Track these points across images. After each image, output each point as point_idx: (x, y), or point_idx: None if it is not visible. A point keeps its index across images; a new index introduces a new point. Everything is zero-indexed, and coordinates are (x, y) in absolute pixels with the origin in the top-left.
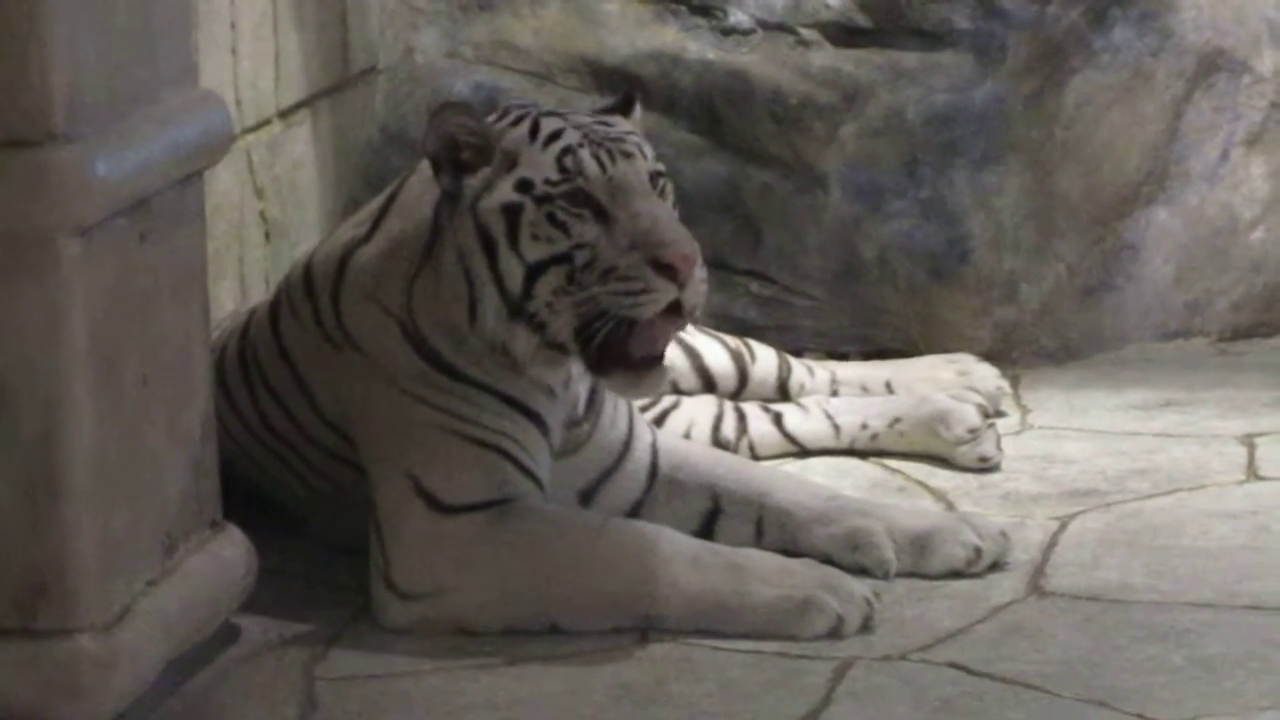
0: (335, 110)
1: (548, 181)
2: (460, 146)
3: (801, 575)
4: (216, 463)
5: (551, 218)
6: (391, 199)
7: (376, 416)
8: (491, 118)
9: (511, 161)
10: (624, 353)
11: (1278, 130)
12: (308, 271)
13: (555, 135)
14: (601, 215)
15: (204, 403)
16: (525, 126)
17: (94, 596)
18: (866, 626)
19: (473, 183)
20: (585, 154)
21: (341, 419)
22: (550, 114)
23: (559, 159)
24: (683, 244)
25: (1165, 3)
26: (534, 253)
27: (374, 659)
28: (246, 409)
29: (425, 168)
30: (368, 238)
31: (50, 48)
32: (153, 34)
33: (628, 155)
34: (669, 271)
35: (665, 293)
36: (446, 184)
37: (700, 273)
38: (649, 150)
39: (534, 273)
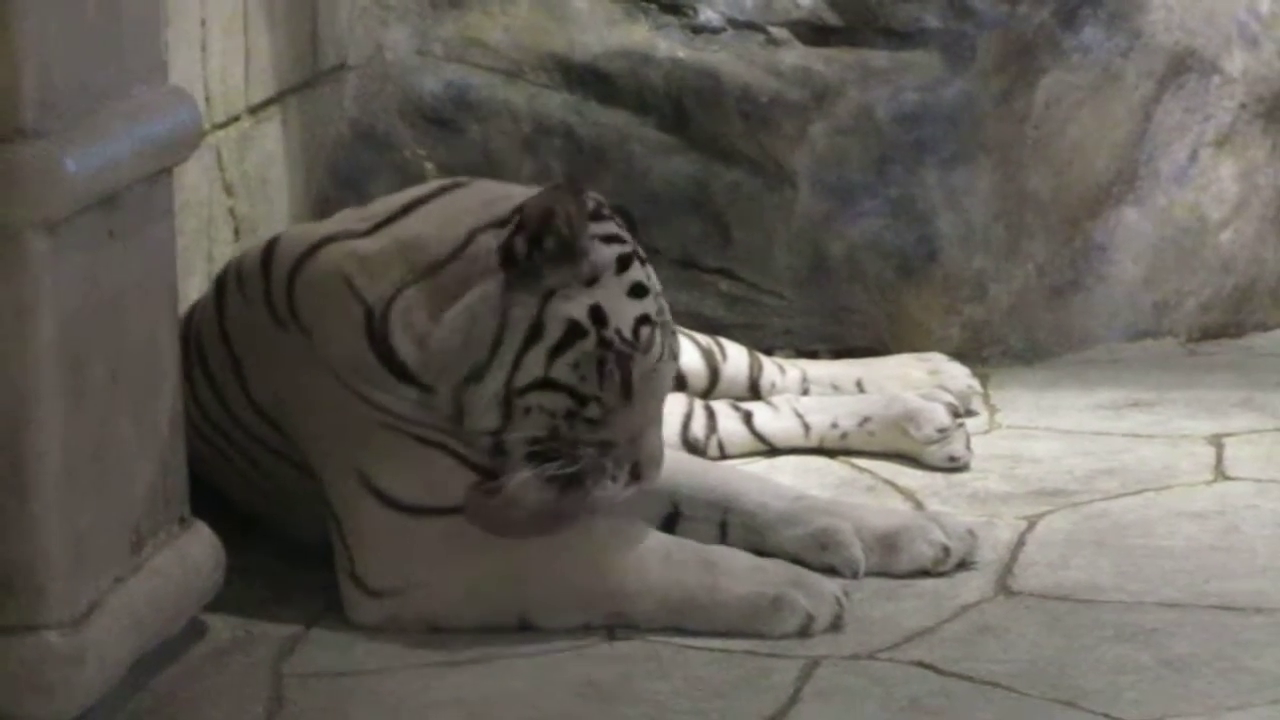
0: (305, 107)
1: (619, 334)
2: (551, 229)
3: (772, 573)
4: (184, 459)
5: (600, 364)
6: (409, 208)
7: (317, 409)
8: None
9: (591, 279)
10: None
11: (1247, 131)
12: (269, 248)
13: (639, 291)
14: (626, 392)
15: (172, 399)
16: (614, 254)
17: (61, 593)
18: (836, 624)
19: (558, 277)
20: (658, 337)
21: (274, 408)
22: (636, 256)
23: (638, 323)
24: (658, 471)
25: (1135, 3)
26: (562, 376)
27: (342, 656)
28: (186, 397)
29: (474, 194)
30: (366, 234)
31: (19, 43)
32: (122, 30)
33: (674, 356)
34: (638, 480)
35: (621, 490)
36: (521, 249)
37: None
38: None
39: (546, 385)
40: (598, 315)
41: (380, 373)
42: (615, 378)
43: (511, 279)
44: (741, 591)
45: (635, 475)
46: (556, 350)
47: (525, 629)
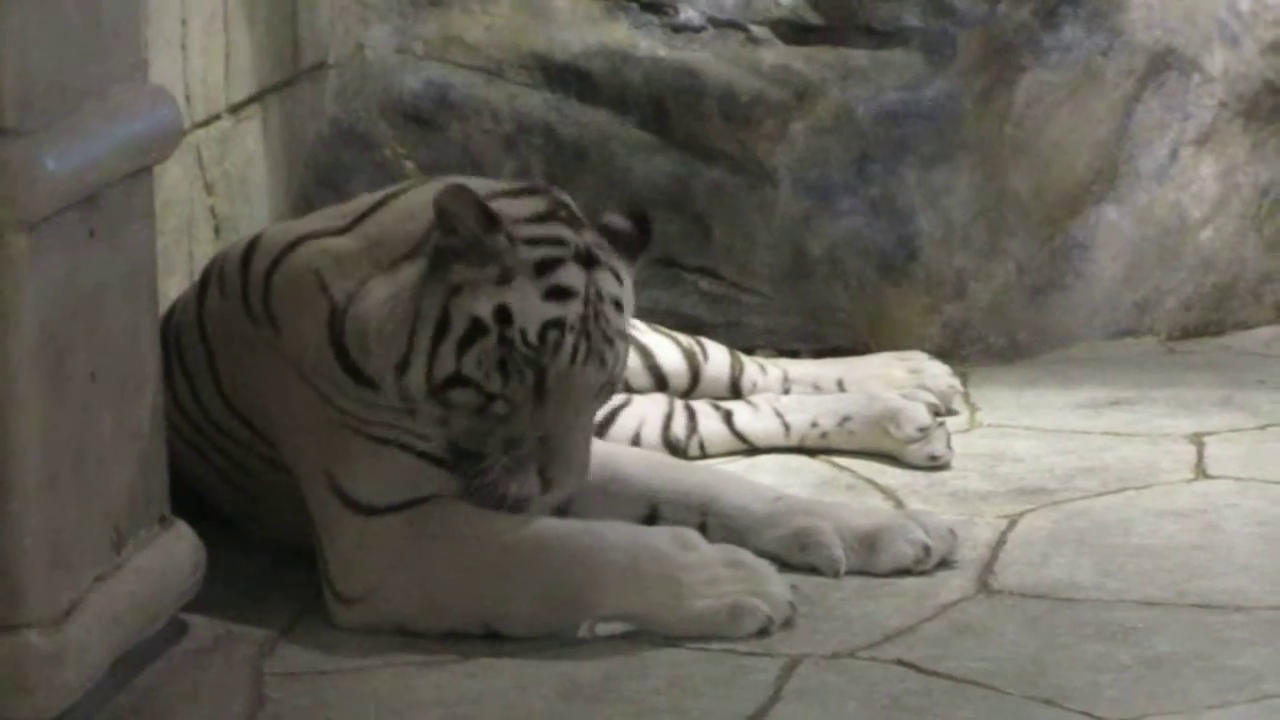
0: (285, 106)
1: (523, 335)
2: (451, 228)
3: (729, 584)
4: (165, 458)
5: (502, 363)
6: (381, 204)
7: (286, 409)
8: (532, 208)
9: (504, 279)
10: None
11: (1227, 130)
12: (252, 245)
13: (558, 294)
14: (539, 394)
15: (153, 398)
16: (536, 256)
17: (41, 592)
18: (788, 623)
19: (464, 273)
20: (569, 342)
21: (245, 405)
22: (571, 259)
23: (545, 327)
24: (575, 476)
25: (1115, 2)
26: (469, 371)
27: (323, 655)
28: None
29: (433, 187)
30: (342, 231)
31: (0, 42)
32: (103, 29)
33: (601, 362)
34: (547, 484)
35: (532, 491)
36: (441, 241)
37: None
38: (621, 349)
39: (458, 381)
40: (502, 315)
41: (338, 372)
42: (525, 377)
43: (429, 270)
44: (700, 606)
45: (546, 481)
46: (462, 345)
47: (491, 637)
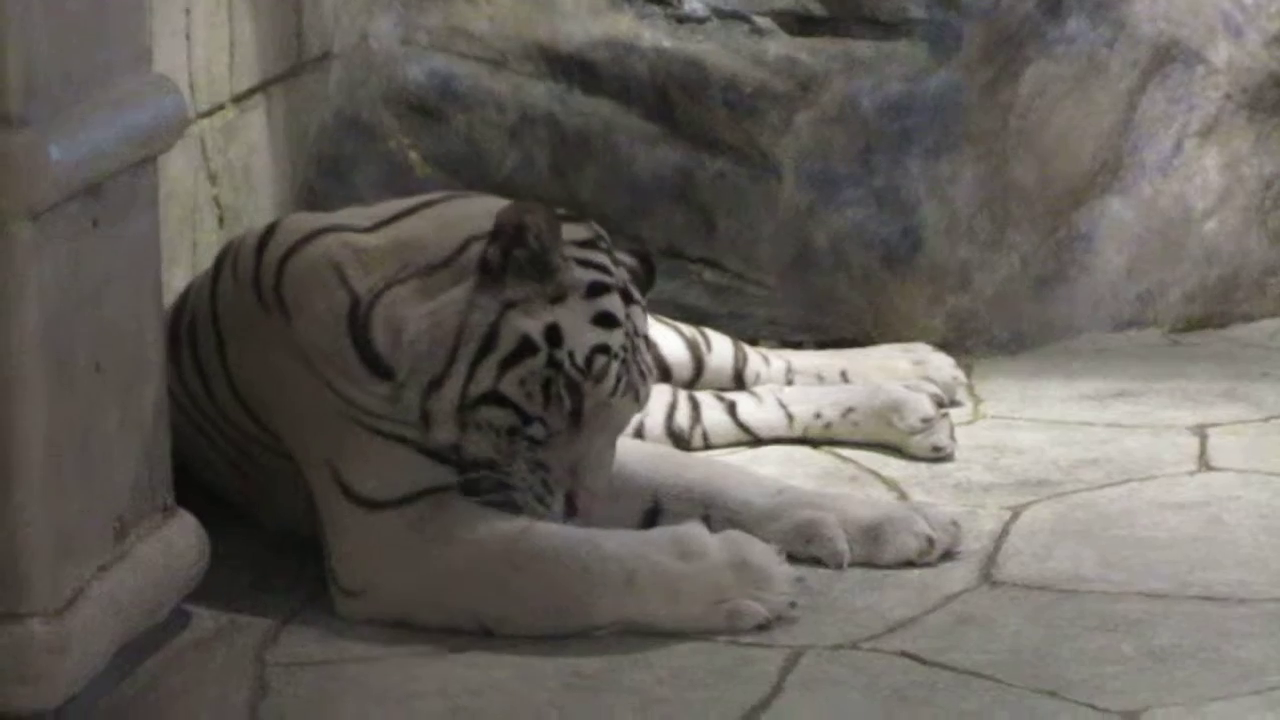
0: (289, 96)
1: (571, 358)
2: (522, 242)
3: (731, 590)
4: (169, 448)
5: (546, 385)
6: (413, 210)
7: (292, 398)
8: (576, 234)
9: (557, 298)
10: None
11: (1231, 122)
12: (269, 231)
13: (605, 321)
14: (575, 420)
15: (157, 388)
16: (588, 278)
17: (45, 581)
18: (785, 615)
19: (520, 290)
20: (614, 370)
21: (251, 393)
22: (616, 289)
23: (593, 352)
24: (599, 504)
25: None
26: (510, 391)
27: (325, 645)
28: (172, 379)
29: (478, 203)
30: (367, 230)
31: (4, 31)
32: (107, 18)
33: (636, 396)
34: (571, 506)
35: (557, 517)
36: (495, 258)
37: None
38: (651, 385)
39: (494, 399)
40: (553, 335)
41: (355, 364)
42: (564, 402)
43: (478, 286)
44: (698, 612)
45: (572, 507)
46: (506, 363)
47: (488, 635)
